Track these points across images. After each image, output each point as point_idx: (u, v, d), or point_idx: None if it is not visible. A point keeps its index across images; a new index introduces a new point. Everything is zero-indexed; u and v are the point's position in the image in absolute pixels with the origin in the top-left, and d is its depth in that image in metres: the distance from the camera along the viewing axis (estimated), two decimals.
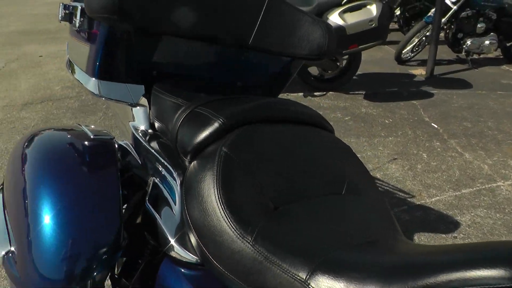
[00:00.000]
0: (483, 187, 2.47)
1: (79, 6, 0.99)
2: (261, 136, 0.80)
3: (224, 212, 0.66)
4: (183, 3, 0.91)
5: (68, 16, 1.20)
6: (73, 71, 1.22)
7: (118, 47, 0.97)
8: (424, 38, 4.82)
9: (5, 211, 0.93)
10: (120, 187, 0.82)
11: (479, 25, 4.87)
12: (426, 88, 4.15)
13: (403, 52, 4.86)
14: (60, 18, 1.23)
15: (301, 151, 0.83)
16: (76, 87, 3.99)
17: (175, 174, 0.83)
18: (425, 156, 2.83)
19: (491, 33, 4.95)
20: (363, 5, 3.16)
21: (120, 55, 0.99)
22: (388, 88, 4.12)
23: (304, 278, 0.59)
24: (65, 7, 1.19)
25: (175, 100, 0.91)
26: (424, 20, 4.69)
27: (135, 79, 1.02)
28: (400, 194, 2.38)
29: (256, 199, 0.70)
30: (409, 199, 2.33)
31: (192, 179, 0.73)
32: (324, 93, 3.69)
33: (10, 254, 0.79)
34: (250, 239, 0.63)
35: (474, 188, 2.45)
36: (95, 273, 0.74)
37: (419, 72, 4.68)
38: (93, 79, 0.99)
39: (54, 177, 0.80)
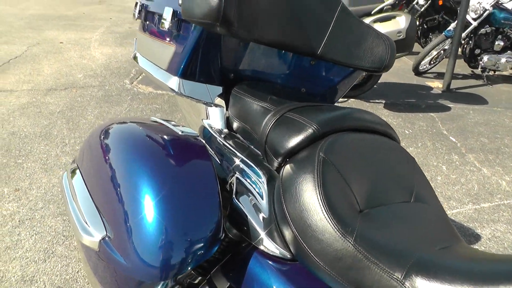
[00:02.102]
0: (502, 202, 2.53)
1: (170, 9, 1.04)
2: (348, 143, 0.86)
3: (326, 212, 0.71)
4: (273, 13, 0.96)
5: (144, 15, 1.25)
6: (143, 65, 1.27)
7: (206, 50, 1.03)
8: (442, 51, 4.87)
9: (88, 190, 0.97)
10: (218, 180, 0.86)
11: (497, 42, 4.92)
12: (443, 102, 4.21)
13: (421, 63, 4.91)
14: (136, 16, 1.29)
15: (377, 159, 0.89)
16: (99, 77, 4.04)
17: (260, 172, 0.89)
18: (445, 168, 2.88)
19: (508, 51, 5.00)
20: (392, 16, 3.21)
21: (206, 58, 1.04)
22: (406, 99, 4.17)
23: (400, 277, 0.64)
24: (142, 7, 1.25)
25: (260, 104, 0.97)
26: (444, 33, 4.74)
27: (215, 80, 1.08)
28: None
29: (349, 201, 0.76)
30: None
31: (290, 179, 0.78)
32: (346, 99, 3.74)
33: (107, 238, 0.83)
34: (351, 238, 0.68)
35: (493, 203, 2.51)
36: (192, 264, 0.78)
37: (436, 85, 4.74)
38: (176, 77, 1.04)
39: (151, 168, 0.84)
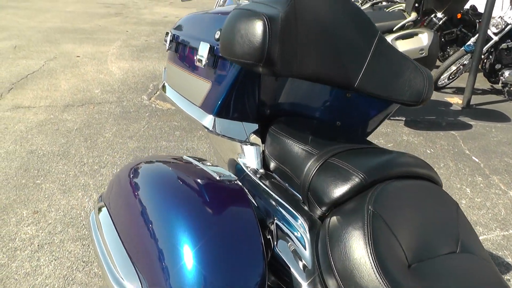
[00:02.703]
0: None
1: (207, 44, 1.01)
2: (395, 193, 0.82)
3: (378, 273, 0.69)
4: (311, 46, 0.93)
5: (176, 46, 1.22)
6: (173, 98, 1.24)
7: (244, 88, 0.99)
8: (461, 66, 4.79)
9: (118, 233, 0.93)
10: (260, 228, 0.82)
11: None
12: (464, 119, 4.12)
13: (440, 78, 4.83)
14: (167, 47, 1.26)
15: (422, 207, 0.86)
16: (116, 92, 4.04)
17: (301, 219, 0.85)
18: (469, 191, 2.80)
19: None
20: (415, 33, 3.16)
21: (243, 96, 1.00)
22: (426, 116, 4.10)
23: None
24: (174, 37, 1.22)
25: (301, 146, 0.93)
26: (463, 48, 4.67)
27: (251, 117, 1.05)
28: None
29: (398, 257, 0.73)
30: None
31: (338, 232, 0.76)
32: None
33: None
34: None
35: None
36: None
37: (455, 100, 4.65)
38: (211, 115, 1.01)
39: (190, 214, 0.80)
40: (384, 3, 4.77)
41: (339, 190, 0.81)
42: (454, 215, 0.89)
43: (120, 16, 8.73)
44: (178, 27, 1.27)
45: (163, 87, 1.33)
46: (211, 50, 1.01)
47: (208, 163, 1.01)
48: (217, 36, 1.01)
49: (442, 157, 3.24)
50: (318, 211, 0.84)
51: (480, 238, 2.31)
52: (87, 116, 3.46)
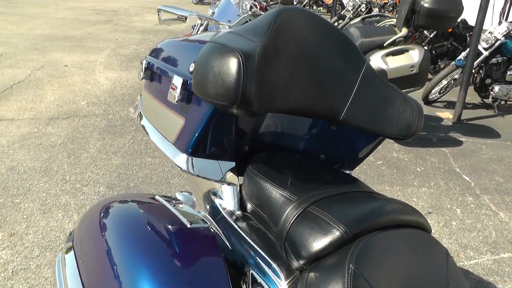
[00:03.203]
0: None
1: (180, 79, 0.95)
2: (379, 246, 0.77)
3: None
4: (294, 79, 0.88)
5: (151, 75, 1.16)
6: (148, 130, 1.17)
7: (219, 126, 0.93)
8: (452, 81, 4.78)
9: (81, 279, 0.87)
10: (229, 278, 0.76)
11: (508, 73, 4.83)
12: (455, 135, 4.10)
13: (431, 92, 4.82)
14: (141, 76, 1.19)
15: (410, 259, 0.81)
16: (103, 104, 3.96)
17: (278, 270, 0.80)
18: (459, 212, 2.76)
19: None
20: (405, 50, 3.12)
21: (219, 134, 0.94)
22: None
23: None
24: (149, 65, 1.16)
25: (279, 191, 0.87)
26: (454, 63, 4.66)
27: (227, 155, 0.99)
28: None
29: None
30: None
31: None
32: None
33: None
34: None
35: None
36: None
37: (446, 115, 4.63)
38: (184, 154, 0.94)
39: (156, 264, 0.75)
40: (374, 18, 4.75)
41: (318, 244, 0.75)
42: (444, 265, 0.84)
43: (110, 23, 8.66)
44: (155, 54, 1.20)
45: (139, 115, 1.27)
46: (184, 84, 0.95)
47: (181, 206, 0.95)
48: (191, 69, 0.95)
49: (433, 176, 3.20)
50: (296, 264, 0.79)
51: (471, 262, 2.27)
52: (72, 129, 3.38)
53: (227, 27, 1.67)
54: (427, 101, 4.89)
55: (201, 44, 1.04)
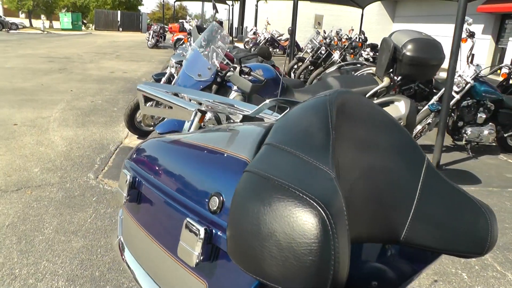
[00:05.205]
0: None
1: (199, 226, 0.65)
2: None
3: None
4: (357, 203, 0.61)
5: (137, 197, 0.85)
6: (134, 270, 0.84)
7: None
8: (426, 125, 4.71)
9: None
10: None
11: (479, 115, 4.85)
12: None
13: None
14: (124, 199, 0.88)
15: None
16: (58, 170, 3.53)
17: None
18: (466, 276, 2.53)
19: (489, 123, 4.92)
20: (391, 101, 2.94)
21: None
22: None
23: None
24: (134, 183, 0.86)
25: None
26: (427, 107, 4.62)
27: None
28: None
29: None
30: None
31: None
32: None
33: None
34: None
35: None
36: None
37: None
38: None
39: None
40: (352, 66, 4.65)
41: None
42: None
43: (64, 72, 8.21)
44: (139, 160, 0.89)
45: (119, 244, 0.93)
46: (208, 236, 0.63)
47: None
48: (213, 207, 0.65)
49: None
50: None
51: None
52: (23, 205, 2.92)
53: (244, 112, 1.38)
54: None
55: (213, 152, 0.75)
